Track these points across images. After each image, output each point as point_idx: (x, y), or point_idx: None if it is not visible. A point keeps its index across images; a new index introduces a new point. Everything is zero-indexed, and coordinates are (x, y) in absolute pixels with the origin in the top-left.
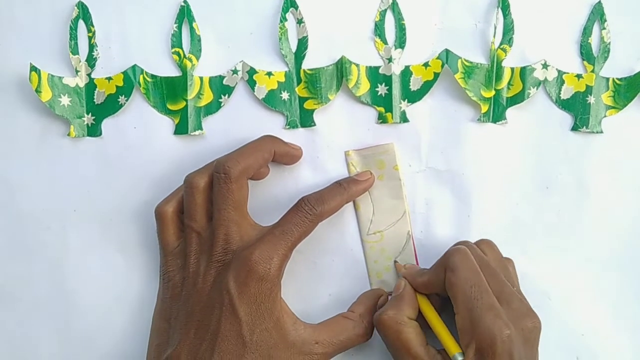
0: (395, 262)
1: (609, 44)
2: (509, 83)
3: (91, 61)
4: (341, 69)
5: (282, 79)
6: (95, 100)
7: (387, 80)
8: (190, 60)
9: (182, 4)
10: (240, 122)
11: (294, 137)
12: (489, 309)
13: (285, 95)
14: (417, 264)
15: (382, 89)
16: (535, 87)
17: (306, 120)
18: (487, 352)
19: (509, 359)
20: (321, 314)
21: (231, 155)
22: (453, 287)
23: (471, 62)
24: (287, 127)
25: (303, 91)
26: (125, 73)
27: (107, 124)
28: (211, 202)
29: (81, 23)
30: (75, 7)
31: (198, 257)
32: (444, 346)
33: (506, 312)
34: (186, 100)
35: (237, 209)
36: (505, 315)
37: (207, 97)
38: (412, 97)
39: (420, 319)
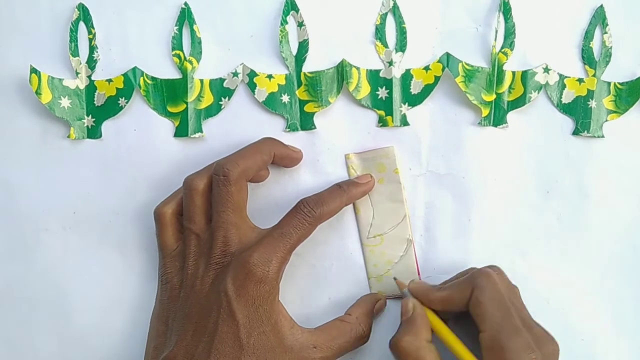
0: (395, 279)
1: (611, 48)
2: (510, 87)
3: (91, 63)
4: (342, 72)
5: (283, 82)
6: (95, 102)
7: (388, 83)
8: (190, 62)
9: (183, 6)
10: (240, 124)
11: (294, 140)
12: (517, 332)
13: (285, 98)
14: (418, 268)
15: (382, 93)
16: (537, 91)
17: (306, 123)
18: None
19: None
20: (321, 317)
21: (230, 157)
22: (481, 305)
23: (472, 66)
24: (288, 130)
25: (303, 94)
26: (125, 75)
27: (107, 126)
28: (210, 205)
29: (82, 25)
30: (76, 9)
31: (197, 259)
32: None
33: (529, 336)
34: (186, 103)
35: (236, 211)
36: (531, 339)
37: (208, 99)
38: (413, 100)
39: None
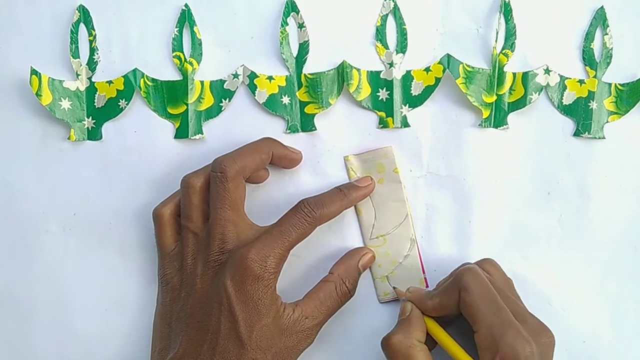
0: (394, 288)
1: (612, 49)
2: (510, 88)
3: (92, 65)
4: (342, 73)
5: (283, 84)
6: (95, 104)
7: (388, 85)
8: (191, 64)
9: (183, 7)
10: (240, 126)
11: (295, 141)
12: (510, 325)
13: (286, 100)
14: (422, 266)
15: (383, 94)
16: (537, 93)
17: (307, 124)
18: None
19: None
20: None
21: (228, 154)
22: (470, 306)
23: (473, 67)
24: (288, 131)
25: (304, 95)
26: (126, 77)
27: (107, 127)
28: (208, 204)
29: (82, 27)
30: (76, 11)
31: (195, 257)
32: None
33: (523, 328)
34: (187, 104)
35: (233, 208)
36: (524, 331)
37: (208, 101)
38: (413, 102)
39: (428, 342)
